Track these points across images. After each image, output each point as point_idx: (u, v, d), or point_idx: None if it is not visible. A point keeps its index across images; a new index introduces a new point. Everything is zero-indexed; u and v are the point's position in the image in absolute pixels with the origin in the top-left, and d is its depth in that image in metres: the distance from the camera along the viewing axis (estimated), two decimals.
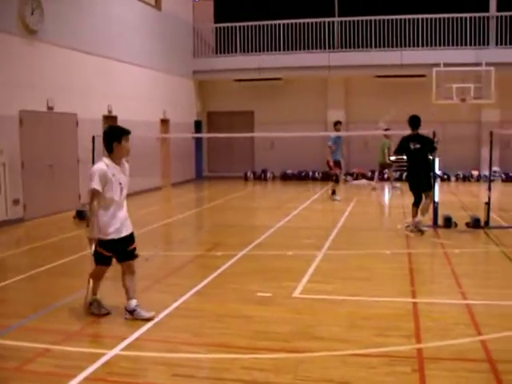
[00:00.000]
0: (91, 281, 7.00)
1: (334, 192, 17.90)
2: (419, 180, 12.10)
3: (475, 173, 23.25)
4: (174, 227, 14.23)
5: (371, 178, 22.87)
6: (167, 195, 20.93)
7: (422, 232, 11.91)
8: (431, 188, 12.22)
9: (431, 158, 12.37)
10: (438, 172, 13.16)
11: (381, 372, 5.18)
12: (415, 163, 12.09)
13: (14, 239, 12.79)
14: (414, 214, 12.28)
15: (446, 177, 22.49)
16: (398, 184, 20.96)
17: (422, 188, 12.11)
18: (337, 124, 17.67)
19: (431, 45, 23.07)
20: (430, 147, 12.13)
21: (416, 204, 12.25)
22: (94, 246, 6.66)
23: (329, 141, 17.55)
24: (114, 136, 6.74)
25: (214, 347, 5.87)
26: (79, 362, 5.44)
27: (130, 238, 6.81)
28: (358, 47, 23.77)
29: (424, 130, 13.01)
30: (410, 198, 18.65)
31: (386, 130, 18.55)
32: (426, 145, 12.08)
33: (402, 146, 12.33)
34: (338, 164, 17.87)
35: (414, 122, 12.24)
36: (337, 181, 18.03)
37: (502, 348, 5.72)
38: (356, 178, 24.04)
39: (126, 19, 19.48)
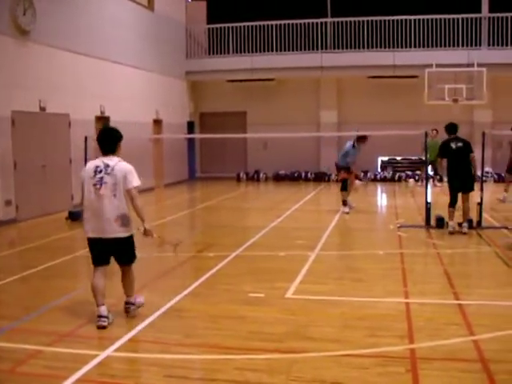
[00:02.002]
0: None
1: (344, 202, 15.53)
2: (465, 180, 11.91)
3: None
4: (167, 228, 14.20)
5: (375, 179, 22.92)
6: (160, 196, 20.90)
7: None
8: (473, 188, 12.08)
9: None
10: (430, 172, 13.18)
11: (374, 372, 5.19)
12: (459, 162, 11.90)
13: (6, 240, 12.75)
14: (452, 217, 12.10)
15: (438, 177, 22.52)
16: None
17: (468, 189, 11.94)
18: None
19: (423, 46, 23.10)
20: (470, 149, 12.04)
21: (453, 205, 12.08)
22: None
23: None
24: (120, 136, 6.80)
25: (206, 348, 5.87)
26: (71, 363, 5.43)
27: None
28: (351, 48, 23.78)
29: (416, 131, 13.05)
30: (401, 198, 18.82)
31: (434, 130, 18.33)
32: (466, 145, 12.06)
33: (444, 148, 12.28)
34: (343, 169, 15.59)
35: (452, 127, 12.36)
36: (343, 188, 15.56)
37: (495, 348, 5.73)
38: None
39: (118, 20, 19.44)
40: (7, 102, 13.96)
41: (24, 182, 14.48)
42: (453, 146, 12.06)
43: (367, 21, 23.51)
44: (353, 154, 15.19)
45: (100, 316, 6.49)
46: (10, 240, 12.82)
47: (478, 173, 12.44)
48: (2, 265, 10.07)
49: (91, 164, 6.68)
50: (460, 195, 11.94)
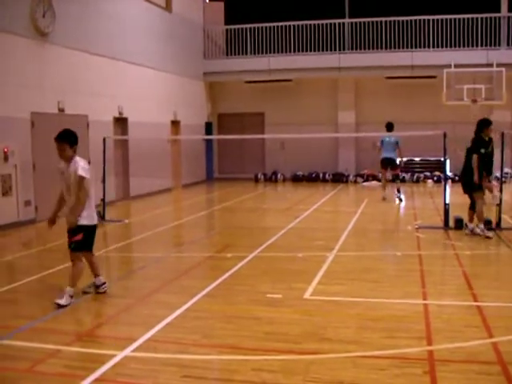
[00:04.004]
0: None
1: (398, 190, 18.04)
2: (463, 180, 11.88)
3: None
4: (185, 228, 14.25)
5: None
6: (178, 196, 20.96)
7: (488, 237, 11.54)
8: (479, 188, 11.71)
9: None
10: (448, 173, 13.03)
11: (391, 374, 5.16)
12: (465, 161, 11.79)
13: (25, 240, 12.83)
14: (471, 219, 11.97)
15: (457, 178, 22.38)
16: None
17: (465, 189, 11.86)
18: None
19: (442, 46, 22.99)
20: (473, 149, 11.63)
21: (471, 207, 11.93)
22: None
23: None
24: None
25: (224, 348, 5.87)
26: (89, 363, 5.47)
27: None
28: (369, 48, 23.73)
29: (434, 132, 12.95)
30: (420, 199, 18.74)
31: None
32: (472, 144, 11.77)
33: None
34: (381, 163, 18.11)
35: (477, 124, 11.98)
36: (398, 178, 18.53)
37: None
38: (366, 180, 24.00)
39: (136, 21, 19.54)
40: (26, 104, 14.07)
41: (43, 183, 14.56)
42: (467, 145, 11.94)
43: (385, 21, 23.45)
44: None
45: (103, 283, 7.90)
46: (28, 240, 12.90)
47: (476, 176, 11.53)
48: (20, 265, 10.16)
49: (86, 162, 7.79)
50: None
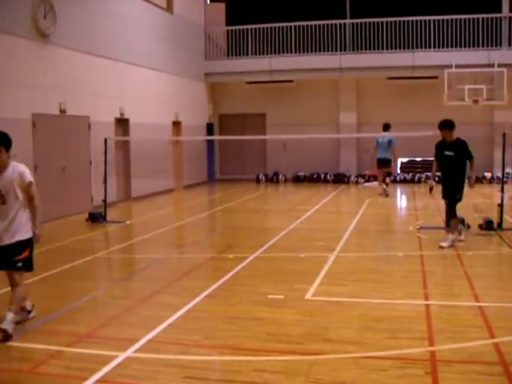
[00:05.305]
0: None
1: (386, 184, 19.28)
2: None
3: (488, 174, 23.12)
4: (186, 229, 14.25)
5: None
6: (179, 197, 20.96)
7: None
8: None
9: None
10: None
11: (393, 374, 5.16)
12: None
13: None
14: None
15: None
16: None
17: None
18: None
19: (443, 46, 22.99)
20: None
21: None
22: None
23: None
24: None
25: (225, 349, 5.87)
26: (91, 364, 5.46)
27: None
28: (370, 49, 23.73)
29: (433, 132, 13.03)
30: (421, 200, 18.74)
31: None
32: None
33: None
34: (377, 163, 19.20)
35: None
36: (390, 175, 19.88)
37: None
38: (368, 181, 23.99)
39: (137, 22, 19.54)
40: (28, 105, 14.07)
41: (44, 184, 14.52)
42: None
43: (386, 22, 23.45)
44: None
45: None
46: None
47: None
48: None
49: None
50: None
